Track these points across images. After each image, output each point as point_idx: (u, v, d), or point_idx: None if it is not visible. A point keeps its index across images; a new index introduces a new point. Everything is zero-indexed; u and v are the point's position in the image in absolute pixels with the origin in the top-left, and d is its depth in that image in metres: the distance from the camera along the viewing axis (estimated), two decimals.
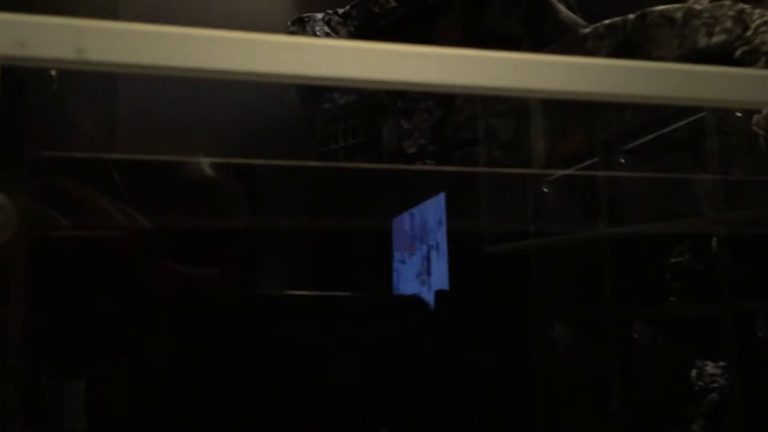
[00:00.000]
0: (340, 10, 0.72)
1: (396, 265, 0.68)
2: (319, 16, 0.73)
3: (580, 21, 0.65)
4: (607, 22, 0.51)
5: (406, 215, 0.68)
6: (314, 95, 0.74)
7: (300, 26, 0.74)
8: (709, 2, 0.64)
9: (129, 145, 0.72)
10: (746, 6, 0.48)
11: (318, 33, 0.72)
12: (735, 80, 0.33)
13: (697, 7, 0.48)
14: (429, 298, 0.67)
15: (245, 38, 0.28)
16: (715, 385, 0.90)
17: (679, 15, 0.48)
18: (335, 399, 0.50)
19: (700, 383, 0.92)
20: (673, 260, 0.87)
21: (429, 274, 0.67)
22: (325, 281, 0.62)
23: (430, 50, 0.30)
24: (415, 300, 0.66)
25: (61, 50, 0.25)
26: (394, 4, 0.65)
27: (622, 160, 0.56)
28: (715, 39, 0.47)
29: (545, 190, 0.60)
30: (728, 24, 0.47)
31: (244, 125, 0.79)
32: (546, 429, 0.71)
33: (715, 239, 0.78)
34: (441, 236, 0.66)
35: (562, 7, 0.64)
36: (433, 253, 0.66)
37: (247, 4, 0.85)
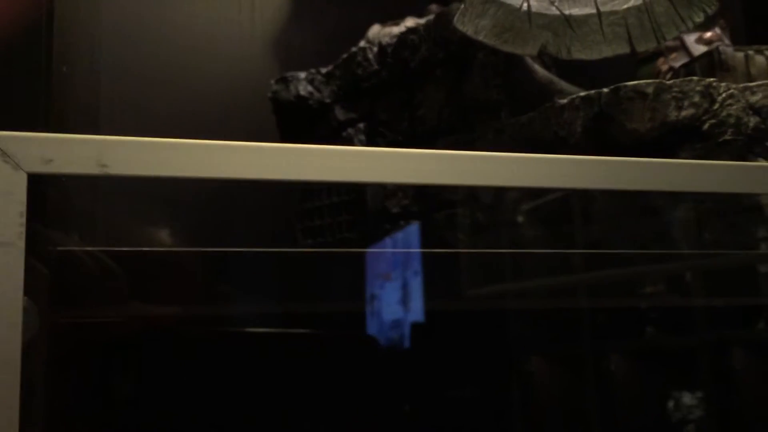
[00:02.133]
0: (324, 69, 0.74)
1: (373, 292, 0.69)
2: (302, 75, 0.75)
3: (555, 79, 0.68)
4: (582, 94, 0.53)
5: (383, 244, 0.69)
6: None
7: (284, 84, 0.76)
8: (679, 67, 0.67)
9: None
10: (713, 80, 0.52)
11: (301, 92, 0.74)
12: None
13: (667, 81, 0.51)
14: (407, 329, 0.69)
15: (250, 147, 0.29)
16: (692, 416, 0.92)
17: (650, 90, 0.50)
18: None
19: (678, 414, 0.94)
20: (648, 290, 0.89)
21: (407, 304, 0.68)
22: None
23: (416, 152, 0.32)
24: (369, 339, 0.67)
25: (85, 167, 0.26)
26: (376, 66, 0.68)
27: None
28: (684, 113, 0.50)
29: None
30: (696, 98, 0.50)
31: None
32: None
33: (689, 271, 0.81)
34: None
35: (538, 68, 0.67)
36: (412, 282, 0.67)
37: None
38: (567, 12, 0.54)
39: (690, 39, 0.71)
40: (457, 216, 0.61)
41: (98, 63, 0.75)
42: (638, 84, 0.51)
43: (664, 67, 0.70)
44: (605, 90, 0.52)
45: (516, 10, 0.55)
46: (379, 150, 0.30)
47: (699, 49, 0.70)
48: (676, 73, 0.61)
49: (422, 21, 0.76)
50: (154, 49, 0.82)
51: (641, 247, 0.62)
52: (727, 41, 0.73)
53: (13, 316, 0.25)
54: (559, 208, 0.59)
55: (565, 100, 0.54)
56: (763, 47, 0.61)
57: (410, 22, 0.77)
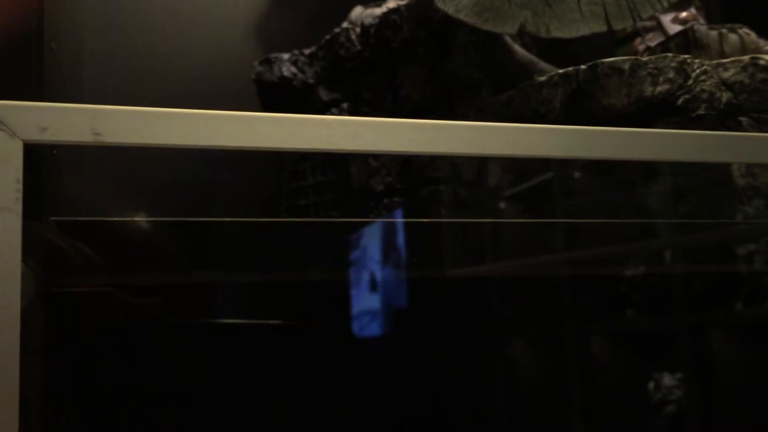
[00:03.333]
0: (307, 51, 0.74)
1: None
2: (286, 56, 0.76)
3: (535, 59, 0.70)
4: (561, 71, 0.55)
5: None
6: None
7: (267, 66, 0.76)
8: (655, 45, 0.68)
9: None
10: (687, 57, 0.53)
11: (285, 73, 0.75)
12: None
13: (643, 58, 0.52)
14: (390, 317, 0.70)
15: (239, 116, 0.30)
16: (672, 397, 0.95)
17: (626, 66, 0.52)
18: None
19: (658, 395, 0.96)
20: (629, 273, 0.91)
21: (389, 292, 0.70)
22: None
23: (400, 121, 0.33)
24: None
25: (79, 134, 0.27)
26: (359, 47, 0.69)
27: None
28: (659, 88, 0.51)
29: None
30: (671, 74, 0.51)
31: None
32: None
33: (668, 252, 0.83)
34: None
35: (518, 48, 0.68)
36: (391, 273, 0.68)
37: None
38: None
39: (666, 19, 0.73)
40: (440, 192, 0.62)
41: (85, 44, 0.75)
42: (615, 61, 0.52)
43: (641, 47, 0.71)
44: (583, 67, 0.53)
45: None
46: (360, 119, 0.31)
47: (675, 29, 0.72)
48: (652, 51, 0.63)
49: (404, 1, 0.77)
50: (138, 29, 0.83)
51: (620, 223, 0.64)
52: (701, 20, 0.74)
53: (11, 280, 0.26)
54: (539, 189, 0.60)
55: (544, 78, 0.55)
56: (736, 26, 0.62)
57: (392, 2, 0.78)
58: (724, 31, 0.62)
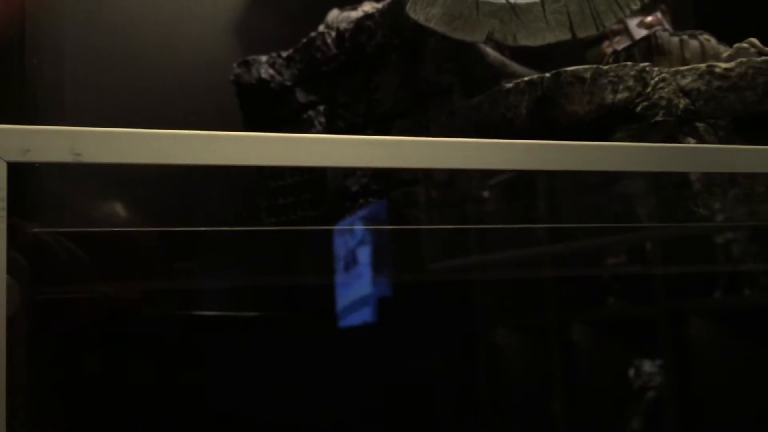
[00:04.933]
0: (284, 53, 0.76)
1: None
2: (264, 58, 0.77)
3: (507, 61, 0.72)
4: (527, 78, 0.57)
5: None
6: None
7: (245, 68, 0.78)
8: (621, 50, 0.71)
9: None
10: (646, 65, 0.55)
11: (263, 75, 0.77)
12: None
13: (604, 67, 0.55)
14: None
15: (213, 135, 0.32)
16: (652, 383, 0.98)
17: (588, 75, 0.54)
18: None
19: (638, 381, 0.99)
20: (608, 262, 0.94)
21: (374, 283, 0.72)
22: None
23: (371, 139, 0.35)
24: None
25: (60, 155, 0.29)
26: (334, 51, 0.70)
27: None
28: (619, 96, 0.54)
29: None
30: (630, 83, 0.54)
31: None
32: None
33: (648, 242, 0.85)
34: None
35: (490, 51, 0.71)
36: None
37: None
38: (512, 0, 0.58)
39: (632, 23, 0.75)
40: (414, 193, 0.64)
41: (65, 53, 0.77)
42: (577, 69, 0.54)
43: (609, 50, 0.73)
44: (547, 75, 0.55)
45: None
46: (331, 137, 0.33)
47: (640, 33, 0.74)
48: (617, 55, 0.65)
49: (379, 6, 0.79)
50: (120, 33, 0.84)
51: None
52: (667, 25, 0.77)
53: None
54: (510, 186, 0.63)
55: (510, 85, 0.58)
56: (697, 32, 0.64)
57: (367, 6, 0.79)
58: (685, 37, 0.64)
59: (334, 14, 0.80)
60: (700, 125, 0.55)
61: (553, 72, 0.55)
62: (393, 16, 0.64)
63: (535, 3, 0.58)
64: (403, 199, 0.64)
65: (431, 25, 0.58)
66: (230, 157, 0.32)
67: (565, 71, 0.55)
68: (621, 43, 0.74)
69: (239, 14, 0.92)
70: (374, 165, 0.34)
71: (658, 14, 0.76)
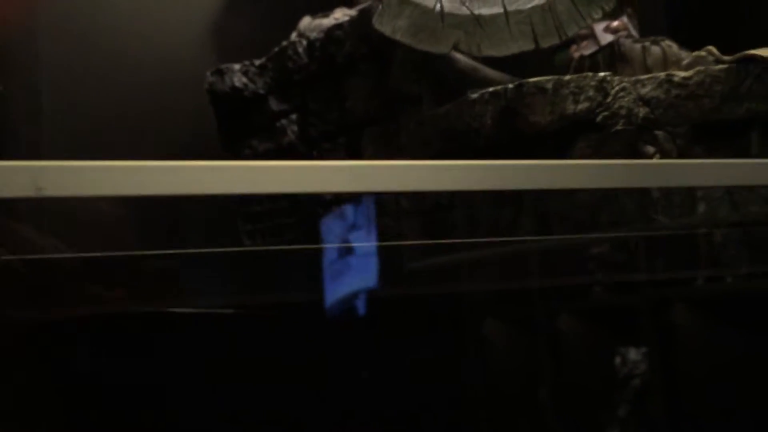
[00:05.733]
0: (257, 62, 0.77)
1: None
2: (237, 66, 0.78)
3: (479, 66, 0.73)
4: (491, 89, 0.58)
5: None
6: (234, 143, 0.79)
7: (219, 76, 0.79)
8: (586, 56, 0.72)
9: None
10: (607, 74, 0.57)
11: (236, 83, 0.77)
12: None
13: (565, 78, 0.56)
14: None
15: (175, 166, 0.33)
16: (637, 371, 1.00)
17: (549, 86, 0.55)
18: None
19: (624, 370, 1.01)
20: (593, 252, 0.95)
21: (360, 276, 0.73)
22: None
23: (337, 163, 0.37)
24: None
25: (23, 190, 0.30)
26: (306, 60, 0.71)
27: None
28: (580, 106, 0.55)
29: None
30: (591, 93, 0.55)
31: None
32: (481, 421, 0.77)
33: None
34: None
35: (460, 57, 0.72)
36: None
37: None
38: (477, 12, 0.59)
39: (598, 28, 0.76)
40: (385, 202, 0.65)
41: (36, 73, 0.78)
42: (539, 81, 0.56)
43: (576, 55, 0.75)
44: (510, 86, 0.57)
45: (430, 11, 0.59)
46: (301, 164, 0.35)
47: (606, 38, 0.75)
48: (582, 62, 0.66)
49: (351, 12, 0.80)
50: (93, 46, 0.85)
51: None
52: (632, 29, 0.78)
53: None
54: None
55: (476, 95, 0.59)
56: (659, 38, 0.66)
57: (339, 13, 0.80)
58: (647, 44, 0.65)
59: (306, 21, 0.81)
60: (659, 133, 0.56)
61: (516, 83, 0.57)
62: (361, 27, 0.65)
63: (498, 14, 0.59)
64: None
65: (397, 37, 0.59)
66: (197, 187, 0.33)
67: (528, 82, 0.56)
68: (588, 48, 0.75)
69: (214, 19, 0.93)
70: (337, 190, 0.35)
71: (624, 18, 0.77)
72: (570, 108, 0.55)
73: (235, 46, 0.91)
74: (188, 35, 0.90)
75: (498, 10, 0.59)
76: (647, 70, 0.64)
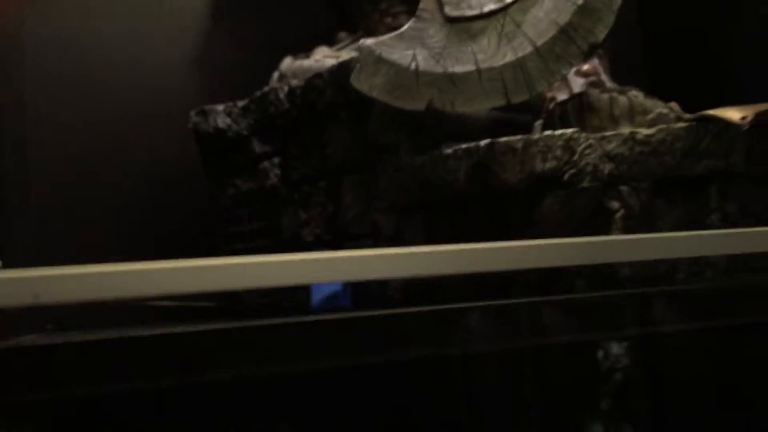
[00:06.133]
0: (240, 103, 0.79)
1: None
2: (220, 107, 0.80)
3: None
4: (464, 146, 0.61)
5: None
6: (219, 180, 0.81)
7: (203, 117, 0.81)
8: (558, 104, 0.75)
9: None
10: (574, 132, 0.59)
11: (220, 124, 0.80)
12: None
13: (534, 137, 0.59)
14: None
15: (169, 267, 0.36)
16: (619, 365, 1.02)
17: (519, 145, 0.58)
18: None
19: (606, 364, 1.04)
20: None
21: None
22: None
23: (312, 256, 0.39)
24: None
25: (22, 298, 0.32)
26: (287, 105, 0.74)
27: None
28: (548, 165, 0.58)
29: None
30: (558, 152, 0.58)
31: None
32: (461, 416, 0.79)
33: None
34: None
35: None
36: None
37: None
38: (450, 70, 0.61)
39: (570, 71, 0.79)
40: (363, 246, 0.68)
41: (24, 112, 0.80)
42: (510, 140, 0.58)
43: (549, 95, 0.77)
44: (482, 144, 0.59)
45: (405, 69, 0.61)
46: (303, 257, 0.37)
47: (577, 81, 0.78)
48: (552, 112, 0.69)
49: (331, 53, 0.82)
50: (80, 81, 0.87)
51: None
52: (603, 73, 0.81)
53: None
54: None
55: (450, 151, 0.61)
56: (626, 88, 0.69)
57: (319, 54, 0.83)
58: (615, 94, 0.68)
59: (287, 62, 0.83)
60: (623, 188, 0.59)
61: (487, 142, 0.59)
62: (340, 77, 0.67)
63: (471, 72, 0.62)
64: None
65: (374, 95, 0.61)
66: (190, 285, 0.35)
67: (499, 142, 0.59)
68: (560, 90, 0.78)
69: (198, 54, 0.95)
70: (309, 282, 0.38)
71: (595, 61, 0.80)
72: (539, 166, 0.58)
73: (218, 78, 0.93)
74: (173, 70, 0.92)
75: (471, 67, 0.61)
76: (614, 120, 0.67)
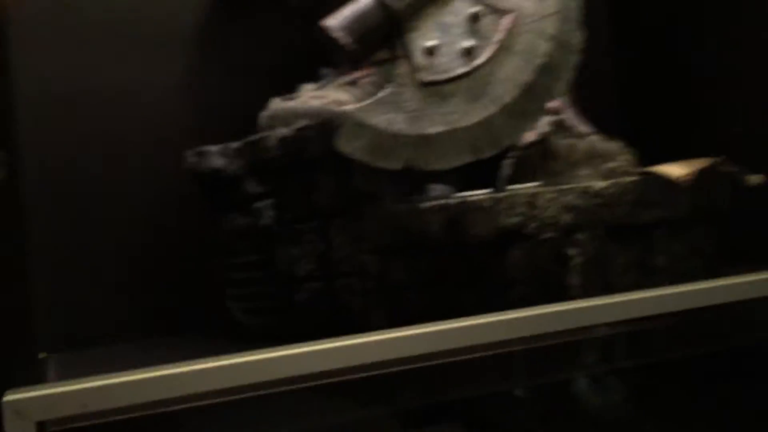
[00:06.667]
0: (234, 144, 0.85)
1: None
2: (215, 148, 0.87)
3: None
4: (439, 202, 0.68)
5: None
6: (218, 215, 0.88)
7: (199, 157, 0.87)
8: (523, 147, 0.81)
9: None
10: (538, 188, 0.67)
11: (215, 164, 0.86)
12: None
13: (499, 195, 0.66)
14: None
15: (196, 370, 0.43)
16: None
17: (486, 203, 0.65)
18: None
19: None
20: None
21: None
22: None
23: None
24: None
25: (73, 409, 0.40)
26: (277, 152, 0.80)
27: None
28: (513, 219, 0.65)
29: None
30: (522, 208, 0.65)
31: None
32: None
33: None
34: None
35: None
36: None
37: None
38: (424, 131, 0.68)
39: None
40: (353, 284, 0.75)
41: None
42: (479, 198, 0.66)
43: None
44: (453, 201, 0.66)
45: (384, 131, 0.68)
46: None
47: (543, 126, 0.85)
48: (519, 154, 0.76)
49: (315, 94, 0.88)
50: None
51: None
52: (568, 110, 0.88)
53: None
54: None
55: (426, 205, 0.69)
56: (585, 133, 0.76)
57: (305, 96, 0.89)
58: (574, 141, 0.75)
59: (276, 103, 0.89)
60: (581, 236, 0.67)
61: (459, 200, 0.66)
62: (325, 134, 0.73)
63: (443, 132, 0.69)
64: (344, 288, 0.76)
65: (356, 156, 0.68)
66: (222, 382, 0.43)
67: (468, 200, 0.66)
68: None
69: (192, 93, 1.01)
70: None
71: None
72: (504, 221, 0.65)
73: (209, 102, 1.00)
74: (169, 108, 0.99)
75: (443, 128, 0.69)
76: (572, 165, 0.74)
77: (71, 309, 0.91)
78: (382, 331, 0.50)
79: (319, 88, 0.91)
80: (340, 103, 0.86)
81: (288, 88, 0.91)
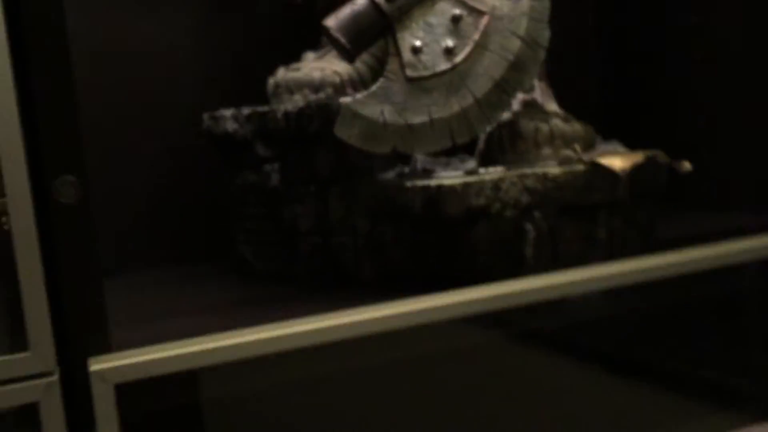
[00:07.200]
0: (245, 110, 0.97)
1: None
2: (228, 113, 0.98)
3: None
4: (420, 184, 0.81)
5: None
6: (232, 172, 1.01)
7: (214, 121, 0.99)
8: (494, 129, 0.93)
9: None
10: (502, 174, 0.79)
11: (228, 128, 0.98)
12: None
13: (470, 180, 0.79)
14: None
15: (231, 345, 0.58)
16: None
17: (459, 188, 0.78)
18: None
19: None
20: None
21: None
22: None
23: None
24: None
25: (140, 374, 0.55)
26: (283, 125, 0.92)
27: None
28: (481, 201, 0.78)
29: None
30: (488, 191, 0.78)
31: None
32: None
33: None
34: None
35: None
36: None
37: None
38: (409, 121, 0.80)
39: None
40: (346, 241, 0.89)
41: None
42: (453, 184, 0.78)
43: None
44: (432, 184, 0.79)
45: (376, 122, 0.80)
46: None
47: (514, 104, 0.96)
48: (491, 136, 0.88)
49: (316, 63, 0.99)
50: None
51: None
52: (540, 92, 0.99)
53: None
54: None
55: (409, 185, 0.81)
56: (551, 112, 0.88)
57: (307, 67, 1.00)
58: (539, 123, 0.87)
59: (281, 73, 1.00)
60: (537, 214, 0.80)
61: (437, 184, 0.79)
62: (325, 111, 0.85)
63: (426, 121, 0.81)
64: (338, 245, 0.90)
65: (351, 141, 0.80)
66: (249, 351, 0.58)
67: (444, 184, 0.79)
68: None
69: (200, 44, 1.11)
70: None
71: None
72: (473, 202, 0.78)
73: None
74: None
75: (425, 118, 0.80)
76: (537, 145, 0.86)
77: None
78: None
79: (319, 58, 1.02)
80: (338, 74, 0.97)
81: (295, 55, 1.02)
